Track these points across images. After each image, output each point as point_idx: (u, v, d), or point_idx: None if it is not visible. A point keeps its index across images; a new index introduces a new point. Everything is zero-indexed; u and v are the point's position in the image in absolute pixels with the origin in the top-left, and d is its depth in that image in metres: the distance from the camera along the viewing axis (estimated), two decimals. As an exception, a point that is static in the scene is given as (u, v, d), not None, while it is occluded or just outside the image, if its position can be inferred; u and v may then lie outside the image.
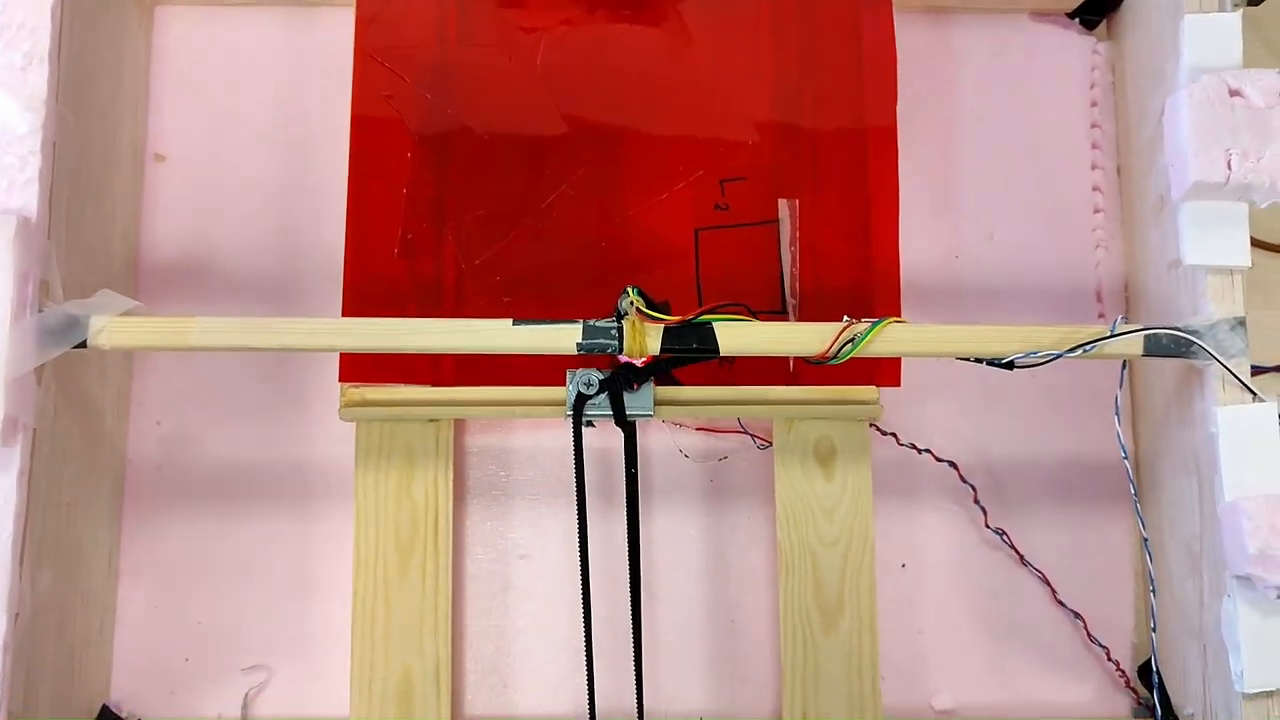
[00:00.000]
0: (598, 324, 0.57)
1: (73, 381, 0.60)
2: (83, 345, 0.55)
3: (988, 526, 0.67)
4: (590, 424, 0.62)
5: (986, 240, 0.71)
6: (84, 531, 0.62)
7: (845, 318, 0.57)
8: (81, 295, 0.57)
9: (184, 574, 0.66)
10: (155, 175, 0.70)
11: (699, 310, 0.57)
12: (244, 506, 0.67)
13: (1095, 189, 0.72)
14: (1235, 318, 0.59)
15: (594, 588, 0.60)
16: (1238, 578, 0.56)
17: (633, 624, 0.60)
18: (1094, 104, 0.72)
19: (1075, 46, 0.73)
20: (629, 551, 0.60)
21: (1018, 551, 0.67)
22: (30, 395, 0.55)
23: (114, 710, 0.64)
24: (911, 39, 0.72)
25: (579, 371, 0.61)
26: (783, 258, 0.66)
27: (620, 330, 0.57)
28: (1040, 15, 0.73)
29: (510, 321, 0.57)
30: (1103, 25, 0.73)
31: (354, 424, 0.64)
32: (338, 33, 0.71)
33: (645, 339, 0.57)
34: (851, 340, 0.57)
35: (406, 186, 0.65)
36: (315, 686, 0.65)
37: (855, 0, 0.68)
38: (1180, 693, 0.63)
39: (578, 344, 0.57)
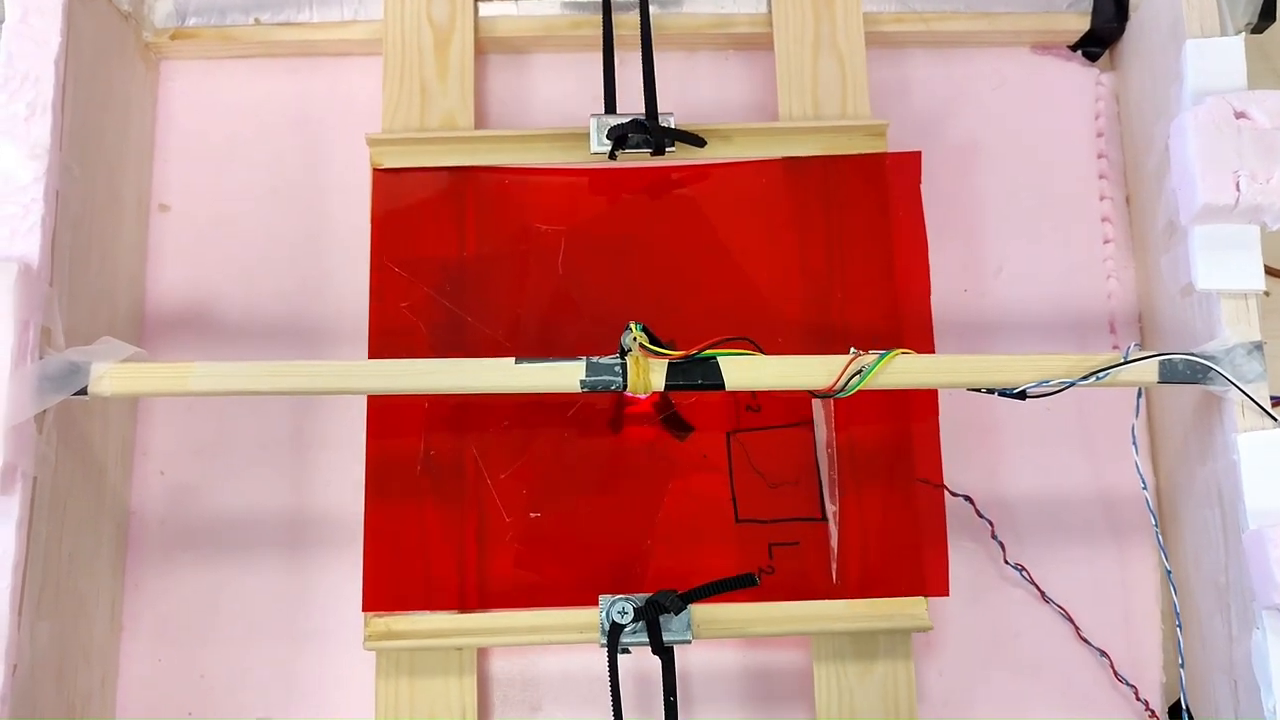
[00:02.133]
0: (601, 360, 0.56)
1: (75, 430, 0.59)
2: (83, 392, 0.55)
3: (1006, 562, 0.66)
4: (626, 651, 0.58)
5: (996, 273, 0.70)
6: (86, 583, 0.61)
7: (852, 349, 0.56)
8: (87, 344, 0.56)
9: (188, 626, 0.65)
10: (160, 225, 0.70)
11: (703, 345, 0.57)
12: (249, 557, 0.66)
13: (1104, 219, 0.71)
14: (1252, 342, 0.57)
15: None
16: (1266, 609, 0.54)
17: None
18: (1100, 134, 0.72)
19: (1079, 78, 0.73)
20: None
21: (1038, 587, 0.66)
22: (30, 443, 0.54)
23: (116, 766, 0.63)
24: (913, 73, 0.72)
25: (615, 600, 0.58)
26: (819, 460, 0.63)
27: (624, 366, 0.56)
28: (1042, 48, 0.73)
29: (513, 360, 0.56)
30: (1105, 56, 0.73)
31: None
32: (342, 83, 0.71)
33: (649, 375, 0.56)
34: (859, 372, 0.56)
35: (427, 402, 0.63)
36: (320, 740, 0.64)
37: (882, 183, 0.66)
38: (1212, 732, 0.61)
39: (581, 381, 0.56)
